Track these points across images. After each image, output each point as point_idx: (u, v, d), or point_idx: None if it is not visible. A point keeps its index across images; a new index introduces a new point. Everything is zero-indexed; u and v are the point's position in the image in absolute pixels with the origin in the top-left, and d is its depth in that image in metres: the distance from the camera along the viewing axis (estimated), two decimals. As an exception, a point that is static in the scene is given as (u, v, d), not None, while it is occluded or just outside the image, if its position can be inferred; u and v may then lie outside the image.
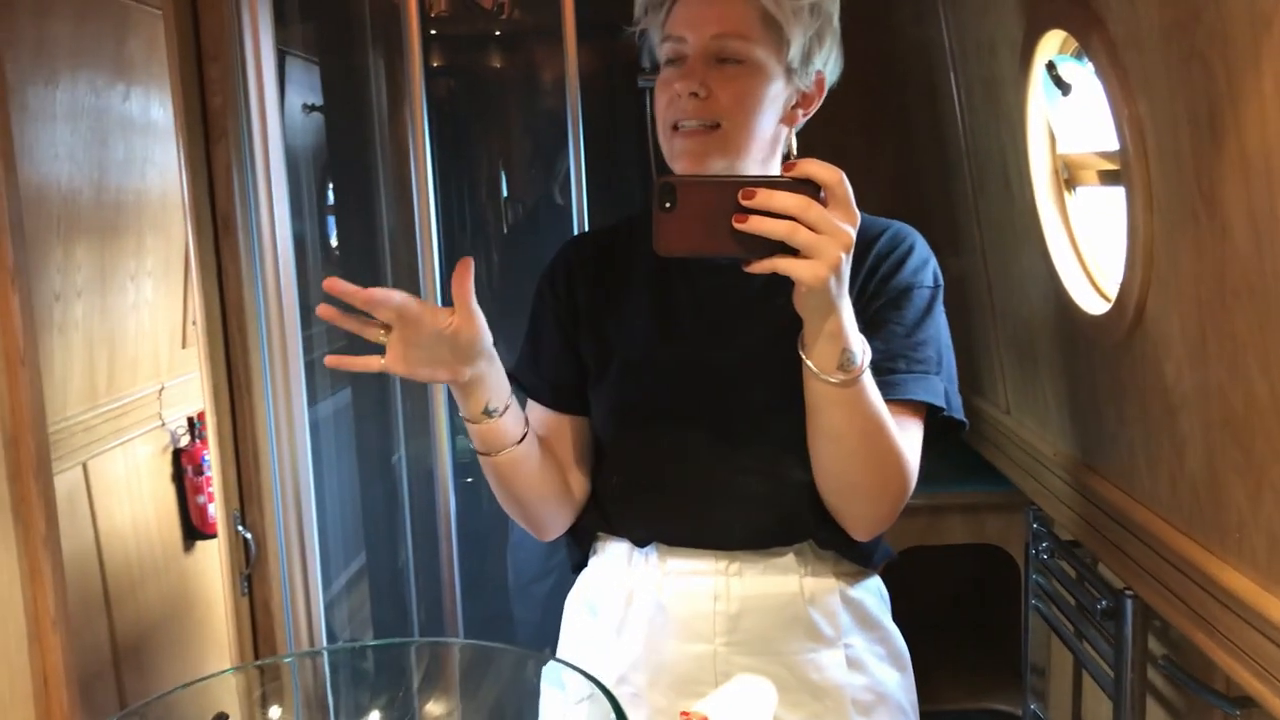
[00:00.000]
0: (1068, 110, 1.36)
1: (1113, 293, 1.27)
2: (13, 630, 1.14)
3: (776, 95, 1.02)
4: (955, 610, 2.44)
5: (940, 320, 1.05)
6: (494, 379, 1.00)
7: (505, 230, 2.11)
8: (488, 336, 0.96)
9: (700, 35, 1.00)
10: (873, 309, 1.03)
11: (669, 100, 1.02)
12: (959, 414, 1.04)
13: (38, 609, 1.16)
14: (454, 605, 1.74)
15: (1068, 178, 1.43)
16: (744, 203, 0.84)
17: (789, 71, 1.02)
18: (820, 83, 1.06)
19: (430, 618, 2.03)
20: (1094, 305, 1.36)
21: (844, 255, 0.85)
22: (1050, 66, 1.32)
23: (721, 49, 1.00)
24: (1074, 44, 1.30)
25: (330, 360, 0.96)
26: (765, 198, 0.84)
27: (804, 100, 1.06)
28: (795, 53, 1.02)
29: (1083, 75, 1.30)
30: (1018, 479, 1.74)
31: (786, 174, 0.85)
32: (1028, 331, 1.62)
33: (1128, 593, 1.35)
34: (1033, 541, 1.70)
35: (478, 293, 0.97)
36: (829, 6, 1.04)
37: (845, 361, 0.90)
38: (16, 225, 1.17)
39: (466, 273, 0.92)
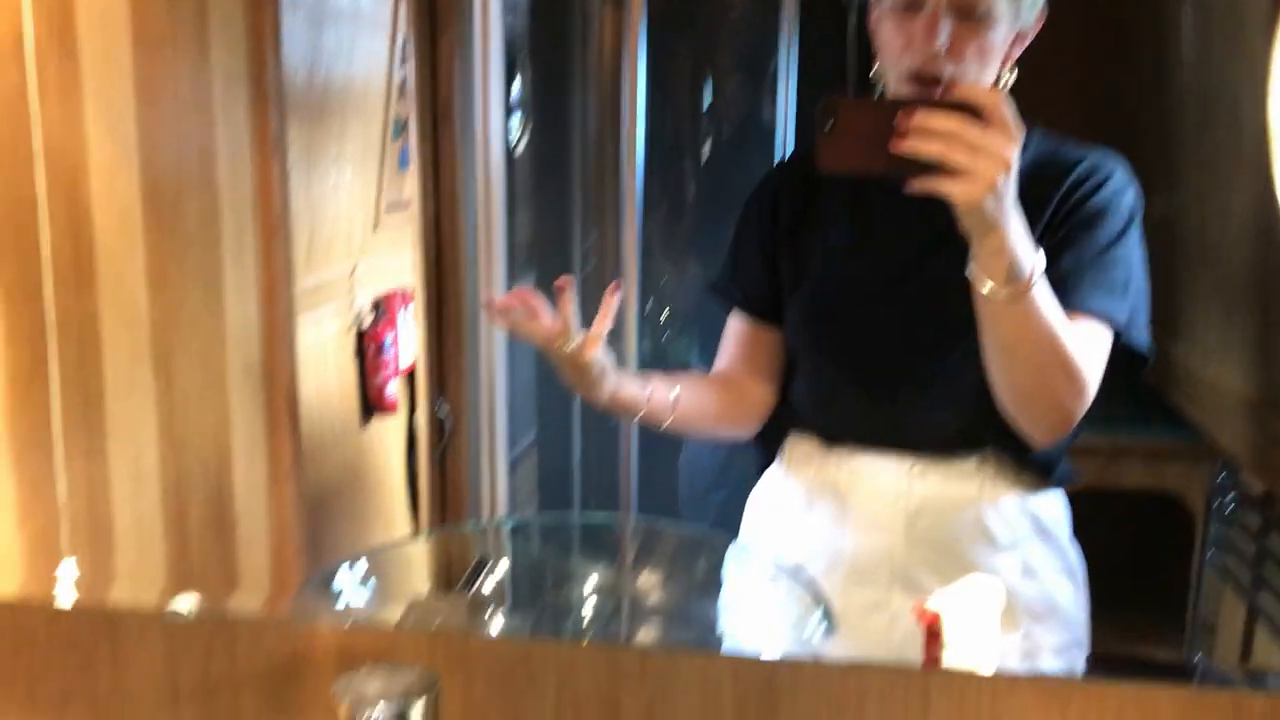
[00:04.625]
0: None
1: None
2: (256, 476, 1.24)
3: (1005, 40, 1.03)
4: (1122, 557, 2.41)
5: (1135, 247, 1.07)
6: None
7: (708, 147, 2.11)
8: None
9: None
10: (1066, 227, 1.05)
11: (904, 45, 1.03)
12: (1141, 342, 1.05)
13: (276, 458, 1.27)
14: (629, 498, 1.81)
15: (1308, 119, 1.37)
16: (901, 125, 0.87)
17: (1016, 14, 1.02)
18: (1040, 17, 1.06)
19: (602, 506, 2.10)
20: (1324, 252, 1.32)
21: (1001, 176, 0.87)
22: (1309, 1, 1.27)
23: (965, 3, 1.00)
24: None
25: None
26: (922, 120, 0.87)
27: (1021, 38, 1.06)
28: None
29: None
30: (1210, 427, 1.71)
31: (945, 97, 0.89)
32: (1240, 276, 1.58)
33: (1324, 549, 1.33)
34: (1216, 493, 1.68)
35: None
36: None
37: (1012, 277, 0.92)
38: (278, 98, 1.25)
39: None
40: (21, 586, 1.14)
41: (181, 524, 1.20)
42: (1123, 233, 1.06)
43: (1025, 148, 1.01)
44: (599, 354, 1.05)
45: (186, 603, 0.97)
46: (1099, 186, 1.06)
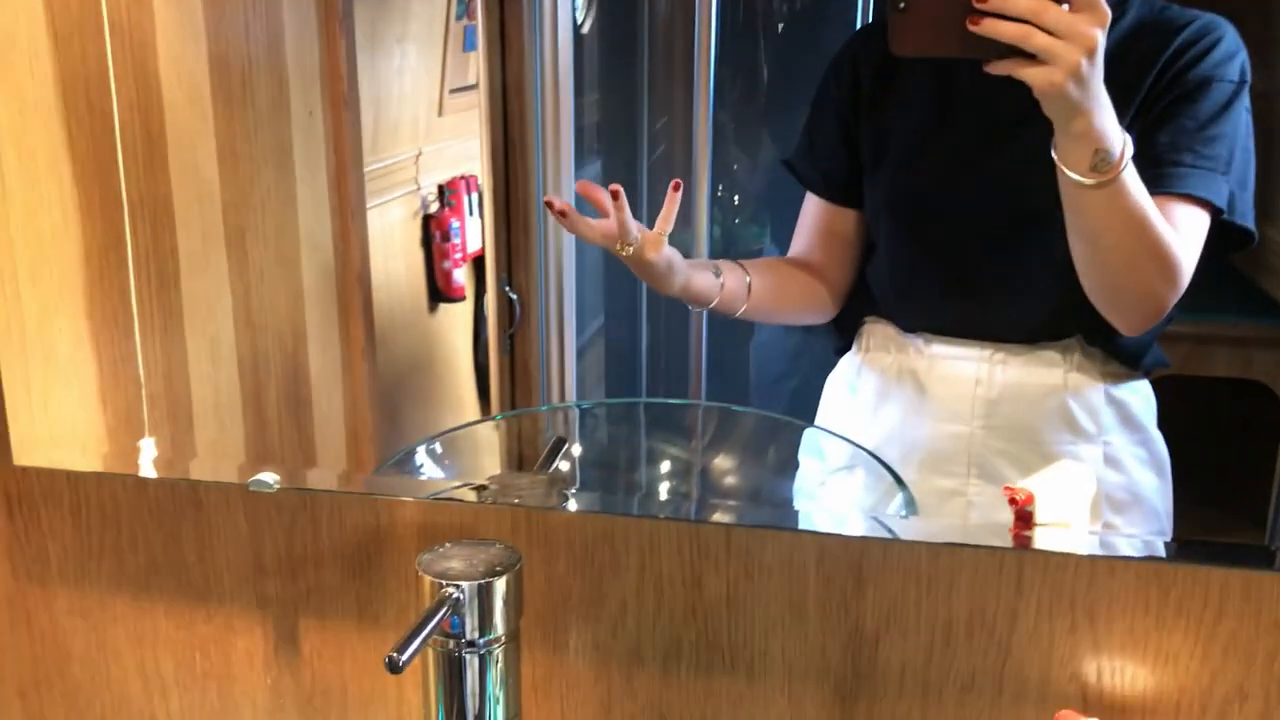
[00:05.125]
0: None
1: None
2: (330, 356, 1.25)
3: None
4: (1203, 446, 2.37)
5: (1240, 119, 1.01)
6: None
7: (782, 20, 2.03)
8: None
9: None
10: (1165, 101, 1.00)
11: None
12: (1244, 220, 1.02)
13: (349, 338, 1.27)
14: (699, 385, 1.79)
15: None
16: (977, 5, 0.82)
17: None
18: None
19: (672, 393, 2.09)
20: None
21: (1085, 60, 0.83)
22: None
23: None
24: None
25: None
26: (999, 0, 0.82)
27: None
28: None
29: None
30: (1303, 314, 1.64)
31: None
32: (1347, 155, 1.50)
33: None
34: (1308, 381, 1.62)
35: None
36: None
37: (1099, 162, 0.88)
38: (345, -27, 1.22)
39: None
40: (106, 467, 1.16)
41: (259, 403, 1.22)
42: (1228, 104, 1.01)
43: (1126, 11, 0.96)
44: (663, 252, 1.05)
45: (270, 477, 0.98)
46: (1209, 50, 1.01)
